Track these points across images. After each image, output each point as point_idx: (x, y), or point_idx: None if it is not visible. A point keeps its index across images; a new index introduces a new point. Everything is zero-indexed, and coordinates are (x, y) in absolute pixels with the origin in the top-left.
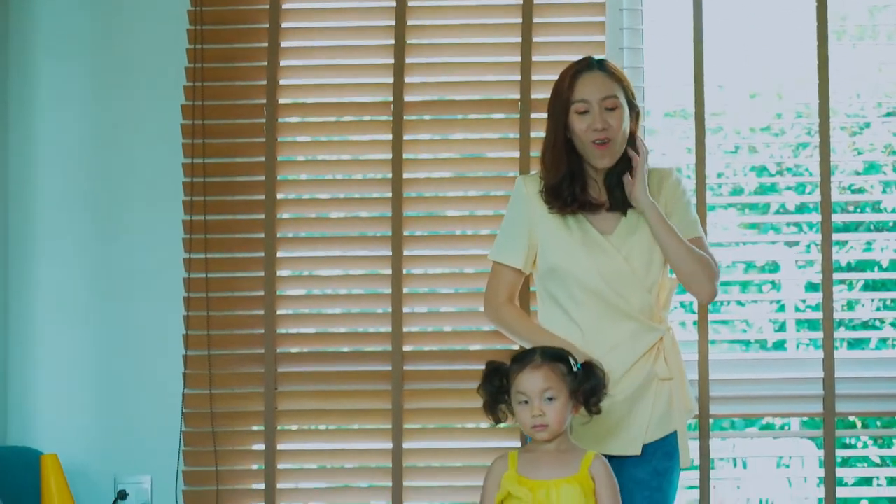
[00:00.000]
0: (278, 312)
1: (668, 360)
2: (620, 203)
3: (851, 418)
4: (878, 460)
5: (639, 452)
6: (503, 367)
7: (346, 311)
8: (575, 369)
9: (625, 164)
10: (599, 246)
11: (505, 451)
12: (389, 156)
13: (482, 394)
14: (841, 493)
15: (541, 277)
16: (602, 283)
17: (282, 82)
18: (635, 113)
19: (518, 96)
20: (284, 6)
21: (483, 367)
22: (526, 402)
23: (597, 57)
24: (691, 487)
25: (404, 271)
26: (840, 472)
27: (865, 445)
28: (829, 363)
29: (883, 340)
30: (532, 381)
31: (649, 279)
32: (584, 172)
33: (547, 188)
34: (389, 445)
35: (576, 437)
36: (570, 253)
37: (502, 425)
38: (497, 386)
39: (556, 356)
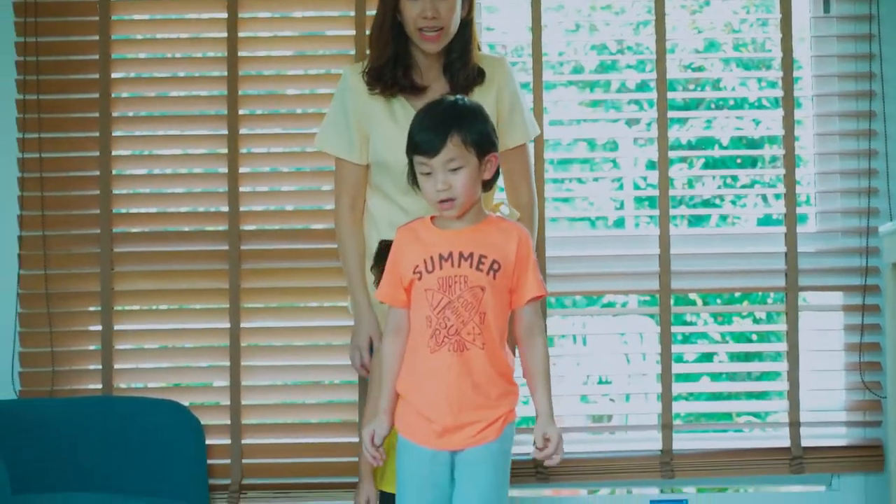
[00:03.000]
0: (114, 192)
1: None
2: (461, 87)
3: (691, 295)
4: (718, 337)
5: None
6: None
7: (187, 191)
8: None
9: (460, 46)
10: None
11: None
12: (226, 34)
13: (375, 272)
14: (681, 369)
15: (370, 168)
16: None
17: None
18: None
19: None
20: None
21: (320, 245)
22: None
23: None
24: None
25: (242, 150)
26: (680, 348)
27: (706, 323)
28: (664, 240)
29: (723, 217)
30: None
31: None
32: (409, 56)
33: (370, 69)
34: (228, 325)
35: None
36: (396, 143)
37: None
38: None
39: None
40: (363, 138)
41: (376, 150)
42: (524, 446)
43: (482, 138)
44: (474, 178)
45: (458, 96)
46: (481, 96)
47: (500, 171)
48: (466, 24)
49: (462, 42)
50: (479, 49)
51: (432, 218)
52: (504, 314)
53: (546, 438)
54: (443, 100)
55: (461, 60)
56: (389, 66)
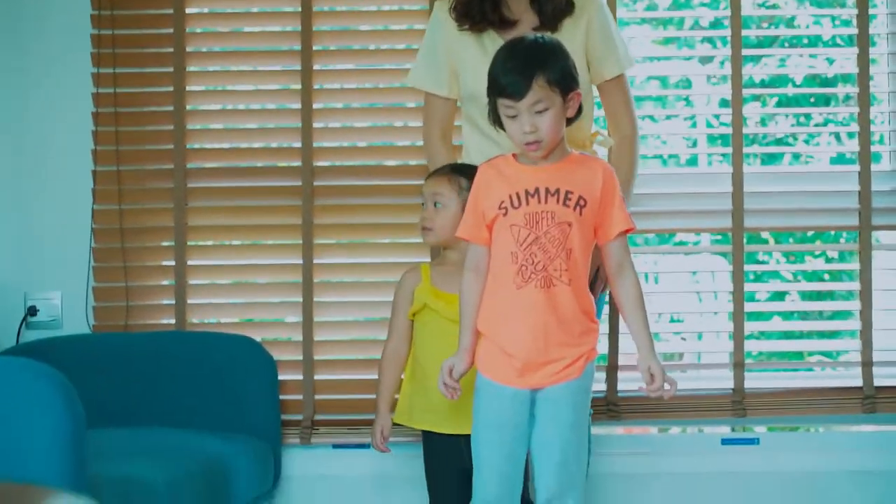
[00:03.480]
0: (188, 127)
1: None
2: (550, 19)
3: (763, 234)
4: (790, 276)
5: None
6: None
7: (260, 126)
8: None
9: None
10: None
11: (416, 264)
12: None
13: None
14: (752, 307)
15: (463, 102)
16: None
17: None
18: None
19: None
20: None
21: (393, 182)
22: (423, 204)
23: None
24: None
25: (315, 86)
26: (751, 287)
27: (778, 262)
28: (737, 178)
29: (796, 156)
30: (428, 185)
31: None
32: None
33: (457, 5)
34: (300, 261)
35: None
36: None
37: None
38: None
39: (461, 169)
40: (453, 73)
41: (466, 83)
42: (598, 383)
43: (565, 76)
44: (559, 118)
45: (538, 35)
46: (571, 28)
47: (600, 103)
48: None
49: None
50: None
51: (514, 155)
52: (588, 251)
53: (651, 373)
54: (523, 39)
55: None
56: (477, 2)
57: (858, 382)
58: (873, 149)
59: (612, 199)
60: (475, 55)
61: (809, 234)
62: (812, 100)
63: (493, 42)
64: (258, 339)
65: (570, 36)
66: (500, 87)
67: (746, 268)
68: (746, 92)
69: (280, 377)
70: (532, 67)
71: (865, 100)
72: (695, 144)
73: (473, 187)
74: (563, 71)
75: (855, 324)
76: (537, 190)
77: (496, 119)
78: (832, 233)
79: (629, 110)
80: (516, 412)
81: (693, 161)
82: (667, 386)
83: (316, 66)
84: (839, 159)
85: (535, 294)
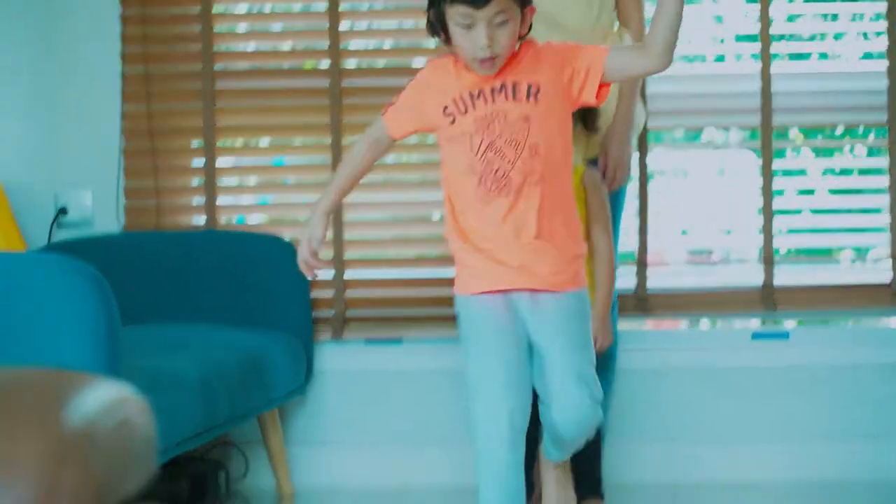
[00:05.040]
0: (215, 29)
1: None
2: None
3: (791, 131)
4: (818, 172)
5: None
6: None
7: (286, 28)
8: None
9: None
10: None
11: None
12: None
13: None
14: (780, 203)
15: None
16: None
17: None
18: None
19: None
20: None
21: None
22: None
23: None
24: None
25: None
26: (780, 183)
27: (806, 158)
28: (765, 74)
29: (824, 54)
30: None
31: None
32: None
33: None
34: (329, 160)
35: None
36: None
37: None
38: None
39: None
40: None
41: None
42: (628, 278)
43: None
44: (516, 34)
45: None
46: None
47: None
48: None
49: None
50: None
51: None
52: (566, 143)
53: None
54: None
55: None
56: None
57: (888, 277)
58: None
59: (571, 50)
60: None
61: (838, 131)
62: None
63: None
64: (287, 238)
65: None
66: None
67: (775, 164)
68: None
69: None
70: None
71: None
72: (722, 43)
73: (415, 82)
74: None
75: (884, 219)
76: (481, 91)
77: (435, 29)
78: (860, 130)
79: (640, 10)
80: (515, 320)
81: (720, 59)
82: None
83: None
84: (867, 56)
85: (506, 203)
